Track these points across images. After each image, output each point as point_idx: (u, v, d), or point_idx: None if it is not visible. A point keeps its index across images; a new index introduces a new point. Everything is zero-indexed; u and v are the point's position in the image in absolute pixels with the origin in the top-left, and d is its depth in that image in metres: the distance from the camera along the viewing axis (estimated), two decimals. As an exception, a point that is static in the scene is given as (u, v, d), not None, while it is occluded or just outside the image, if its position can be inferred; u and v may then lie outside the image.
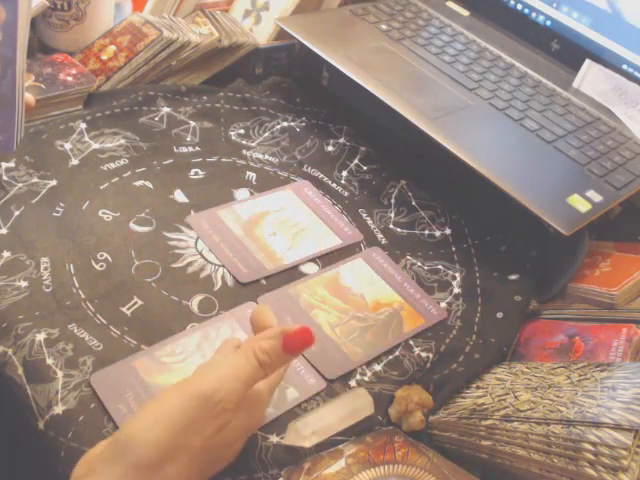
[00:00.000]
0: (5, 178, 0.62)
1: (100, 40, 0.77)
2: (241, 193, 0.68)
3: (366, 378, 0.53)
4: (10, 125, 0.50)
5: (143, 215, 0.62)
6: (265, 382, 0.43)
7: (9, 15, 0.46)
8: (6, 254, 0.55)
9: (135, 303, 0.54)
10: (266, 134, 0.76)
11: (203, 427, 0.38)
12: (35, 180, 0.63)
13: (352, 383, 0.53)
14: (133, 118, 0.72)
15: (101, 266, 0.56)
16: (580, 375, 0.48)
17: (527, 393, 0.48)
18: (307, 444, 0.47)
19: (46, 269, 0.55)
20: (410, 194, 0.73)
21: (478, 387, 0.53)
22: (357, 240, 0.66)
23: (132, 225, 0.61)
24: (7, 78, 0.48)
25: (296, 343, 0.41)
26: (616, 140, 0.73)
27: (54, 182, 0.63)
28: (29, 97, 0.54)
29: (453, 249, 0.68)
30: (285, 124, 0.78)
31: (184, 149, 0.71)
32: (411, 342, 0.57)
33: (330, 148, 0.77)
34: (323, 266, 0.62)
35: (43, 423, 0.45)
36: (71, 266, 0.56)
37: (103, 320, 0.52)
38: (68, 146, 0.67)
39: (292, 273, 0.61)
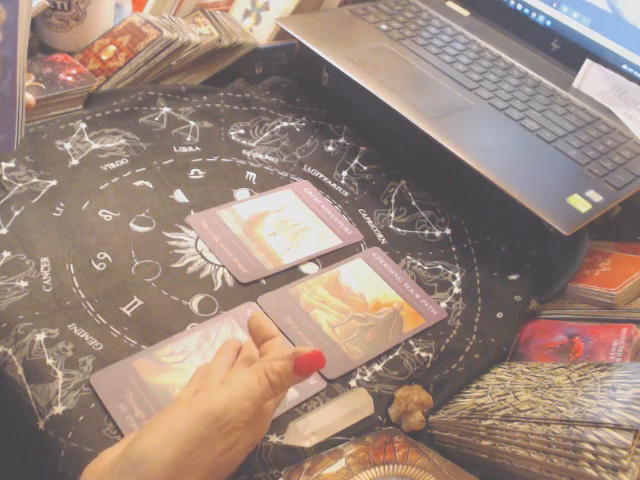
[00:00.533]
0: (5, 178, 0.62)
1: (100, 40, 0.77)
2: (241, 193, 0.68)
3: (366, 378, 0.53)
4: (10, 125, 0.50)
5: (143, 215, 0.62)
6: (272, 400, 0.44)
7: (9, 15, 0.46)
8: (6, 254, 0.55)
9: (135, 303, 0.54)
10: (266, 134, 0.76)
11: (213, 446, 0.38)
12: (35, 180, 0.63)
13: (352, 383, 0.53)
14: (133, 118, 0.72)
15: (101, 266, 0.56)
16: (580, 375, 0.48)
17: (527, 393, 0.48)
18: (307, 444, 0.47)
19: (46, 269, 0.55)
20: (410, 194, 0.73)
21: (478, 387, 0.53)
22: (357, 240, 0.66)
23: (132, 225, 0.61)
24: (7, 78, 0.48)
25: (307, 366, 0.42)
26: (616, 140, 0.73)
27: (54, 182, 0.63)
28: (29, 97, 0.54)
29: (453, 249, 0.68)
30: (285, 124, 0.78)
31: (184, 149, 0.71)
32: (411, 342, 0.57)
33: (330, 148, 0.77)
34: (323, 266, 0.62)
35: (43, 423, 0.45)
36: (71, 266, 0.56)
37: (103, 320, 0.52)
38: (68, 146, 0.67)
39: (292, 273, 0.61)
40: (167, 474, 0.36)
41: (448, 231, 0.69)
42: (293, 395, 0.50)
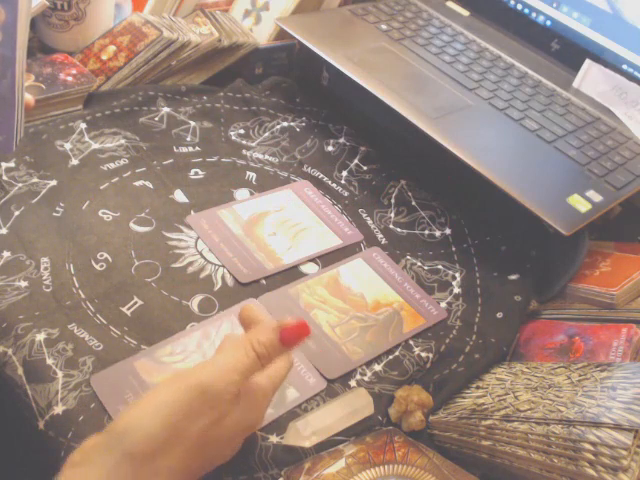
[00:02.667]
0: (5, 178, 0.62)
1: (100, 40, 0.77)
2: (241, 193, 0.68)
3: (366, 378, 0.53)
4: (10, 126, 0.50)
5: (143, 215, 0.62)
6: (268, 381, 0.44)
7: (9, 15, 0.46)
8: (6, 254, 0.55)
9: (135, 303, 0.54)
10: (266, 134, 0.76)
11: (199, 419, 0.38)
12: (35, 180, 0.63)
13: (352, 383, 0.53)
14: (133, 118, 0.72)
15: (101, 266, 0.56)
16: (580, 375, 0.48)
17: (527, 393, 0.48)
18: (307, 444, 0.47)
19: (46, 269, 0.55)
20: (410, 194, 0.73)
21: (478, 387, 0.53)
22: (357, 240, 0.66)
23: (132, 225, 0.61)
24: (7, 79, 0.48)
25: (293, 336, 0.42)
26: (616, 140, 0.73)
27: (54, 182, 0.63)
28: (29, 97, 0.54)
29: (453, 249, 0.68)
30: (285, 124, 0.78)
31: (184, 149, 0.71)
32: (411, 342, 0.57)
33: (330, 148, 0.77)
34: (323, 266, 0.62)
35: (43, 423, 0.45)
36: (71, 266, 0.56)
37: (103, 320, 0.52)
38: (68, 146, 0.67)
39: (292, 273, 0.61)
40: (151, 446, 0.36)
41: (448, 231, 0.69)
42: (293, 395, 0.50)
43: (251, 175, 0.70)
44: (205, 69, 0.82)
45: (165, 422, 0.37)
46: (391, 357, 0.56)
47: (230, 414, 0.40)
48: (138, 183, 0.65)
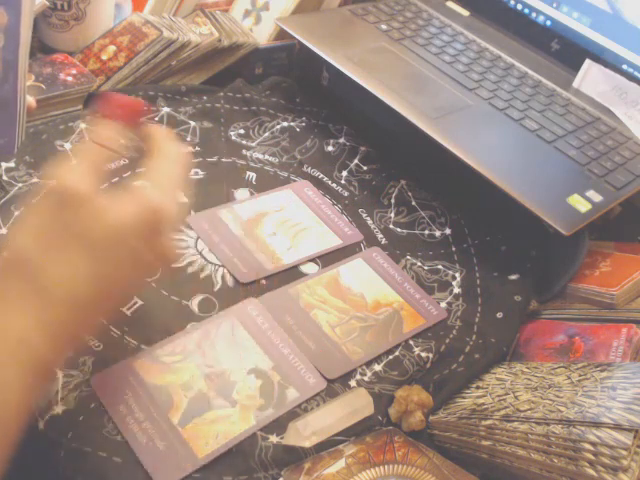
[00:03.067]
0: (5, 178, 0.62)
1: (100, 40, 0.77)
2: (241, 193, 0.68)
3: (366, 378, 0.53)
4: (11, 128, 0.50)
5: (143, 215, 0.62)
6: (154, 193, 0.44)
7: (11, 18, 0.46)
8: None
9: (135, 303, 0.54)
10: (266, 134, 0.76)
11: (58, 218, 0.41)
12: (35, 180, 0.63)
13: (352, 383, 0.53)
14: (133, 118, 0.72)
15: (101, 266, 0.56)
16: (580, 375, 0.48)
17: (527, 393, 0.48)
18: (307, 444, 0.47)
19: (46, 269, 0.55)
20: (410, 194, 0.73)
21: (478, 387, 0.53)
22: (357, 240, 0.66)
23: (132, 225, 0.61)
24: (9, 82, 0.48)
25: (135, 114, 0.44)
26: (616, 140, 0.73)
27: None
28: (30, 99, 0.54)
29: (453, 249, 0.68)
30: (285, 124, 0.78)
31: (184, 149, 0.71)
32: (411, 342, 0.57)
33: (330, 148, 0.77)
34: (323, 266, 0.62)
35: (43, 423, 0.45)
36: (71, 266, 0.56)
37: (103, 320, 0.52)
38: (68, 146, 0.67)
39: (292, 273, 0.61)
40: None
41: (448, 231, 0.69)
42: (293, 395, 0.50)
43: (251, 175, 0.70)
44: (205, 69, 0.82)
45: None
46: (391, 357, 0.56)
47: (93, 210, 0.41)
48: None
